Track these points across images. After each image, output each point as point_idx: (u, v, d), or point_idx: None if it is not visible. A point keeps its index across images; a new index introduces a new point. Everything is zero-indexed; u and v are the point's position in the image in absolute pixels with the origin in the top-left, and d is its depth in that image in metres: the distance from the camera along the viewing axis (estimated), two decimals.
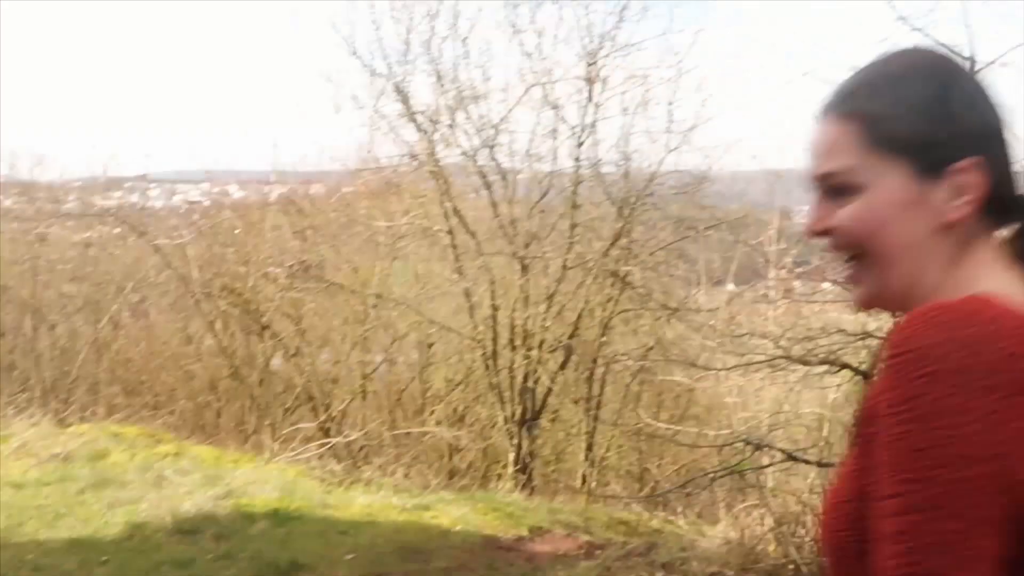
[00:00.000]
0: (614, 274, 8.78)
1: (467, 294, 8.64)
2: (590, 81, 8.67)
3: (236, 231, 10.69)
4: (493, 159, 8.73)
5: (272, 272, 9.77)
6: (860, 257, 1.06)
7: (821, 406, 6.64)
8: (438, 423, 8.95)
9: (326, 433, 9.05)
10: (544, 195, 8.97)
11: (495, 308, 8.44)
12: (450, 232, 8.68)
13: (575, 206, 8.65)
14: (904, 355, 0.90)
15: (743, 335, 6.16)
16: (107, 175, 12.20)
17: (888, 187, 1.03)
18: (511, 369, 8.43)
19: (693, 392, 9.79)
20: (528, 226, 8.41)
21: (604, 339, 8.88)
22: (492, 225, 8.79)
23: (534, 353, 8.33)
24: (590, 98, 8.72)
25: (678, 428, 7.32)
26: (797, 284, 9.20)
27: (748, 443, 5.27)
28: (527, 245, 8.18)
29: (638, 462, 9.42)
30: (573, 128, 8.79)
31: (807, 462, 5.38)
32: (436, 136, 8.80)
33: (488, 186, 8.55)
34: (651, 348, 8.98)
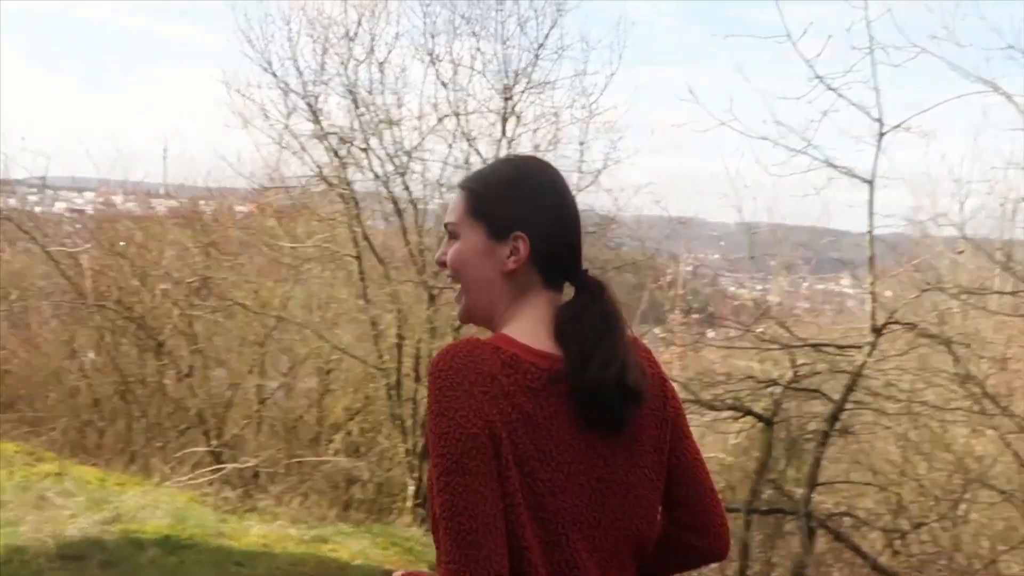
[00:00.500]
0: None
1: (373, 322, 8.53)
2: (504, 115, 8.75)
3: (123, 244, 10.31)
4: (405, 186, 8.67)
5: (170, 288, 9.48)
6: (456, 281, 1.57)
7: (723, 451, 6.79)
8: (336, 452, 8.78)
9: (218, 458, 8.78)
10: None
11: (401, 337, 8.36)
12: (358, 257, 8.59)
13: None
14: (430, 372, 1.39)
15: None
16: None
17: (472, 239, 1.53)
18: (415, 400, 8.34)
19: None
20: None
21: None
22: (401, 253, 8.73)
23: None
24: (504, 132, 8.80)
25: None
26: (689, 330, 9.41)
27: None
28: (436, 275, 8.14)
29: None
30: (485, 160, 8.84)
31: None
32: (348, 158, 8.71)
33: (399, 213, 8.47)
34: None
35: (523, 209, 1.52)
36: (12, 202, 12.27)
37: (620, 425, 1.46)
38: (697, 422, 5.91)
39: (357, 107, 8.37)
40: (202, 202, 11.70)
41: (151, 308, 9.59)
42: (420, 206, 8.65)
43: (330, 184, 8.58)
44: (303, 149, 8.63)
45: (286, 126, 8.50)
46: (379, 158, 8.37)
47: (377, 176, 8.48)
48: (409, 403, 8.44)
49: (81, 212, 14.06)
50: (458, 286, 1.57)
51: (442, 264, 1.59)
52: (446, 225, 1.58)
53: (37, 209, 13.16)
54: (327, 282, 9.80)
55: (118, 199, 13.41)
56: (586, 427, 1.43)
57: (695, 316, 10.36)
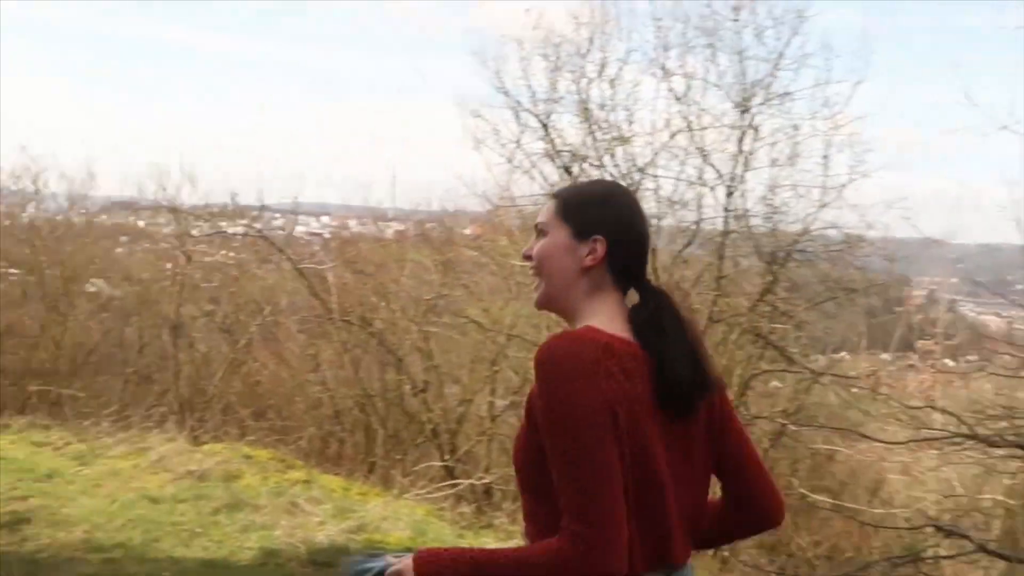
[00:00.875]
0: (756, 332, 8.45)
1: None
2: (740, 130, 8.45)
3: (371, 263, 10.75)
4: None
5: (408, 306, 9.78)
6: (539, 272, 1.82)
7: (1003, 493, 6.16)
8: None
9: (451, 473, 8.92)
10: (688, 244, 8.75)
11: None
12: None
13: (722, 257, 8.38)
14: (539, 361, 1.61)
15: (919, 407, 5.74)
16: (235, 203, 12.48)
17: (558, 237, 1.79)
18: None
19: (832, 462, 9.31)
20: (672, 276, 8.17)
21: (744, 399, 8.51)
22: None
23: None
24: (740, 147, 8.49)
25: (836, 502, 6.90)
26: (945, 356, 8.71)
27: (940, 529, 4.84)
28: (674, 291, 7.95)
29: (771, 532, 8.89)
30: (721, 177, 8.56)
31: (1004, 557, 4.90)
32: (580, 176, 8.67)
33: None
34: (793, 413, 8.57)
35: (605, 218, 1.79)
36: (257, 226, 13.12)
37: (693, 410, 1.73)
38: (968, 459, 5.39)
39: (589, 125, 8.33)
40: (429, 225, 12.09)
41: (390, 324, 9.93)
42: (653, 223, 8.49)
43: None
44: (534, 167, 8.70)
45: (518, 145, 8.60)
46: (611, 175, 8.26)
47: None
48: None
49: (319, 235, 14.91)
50: (539, 278, 1.84)
51: (527, 257, 1.87)
52: (537, 225, 1.87)
53: (280, 233, 14.06)
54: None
55: (352, 223, 14.12)
56: (667, 410, 1.69)
57: (947, 343, 9.61)
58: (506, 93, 8.71)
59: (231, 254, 12.75)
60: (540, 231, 1.84)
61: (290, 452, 9.51)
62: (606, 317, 1.73)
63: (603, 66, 8.53)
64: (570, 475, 1.57)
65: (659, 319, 1.74)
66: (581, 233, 1.79)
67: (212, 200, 11.95)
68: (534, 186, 8.95)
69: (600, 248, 1.77)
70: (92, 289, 13.84)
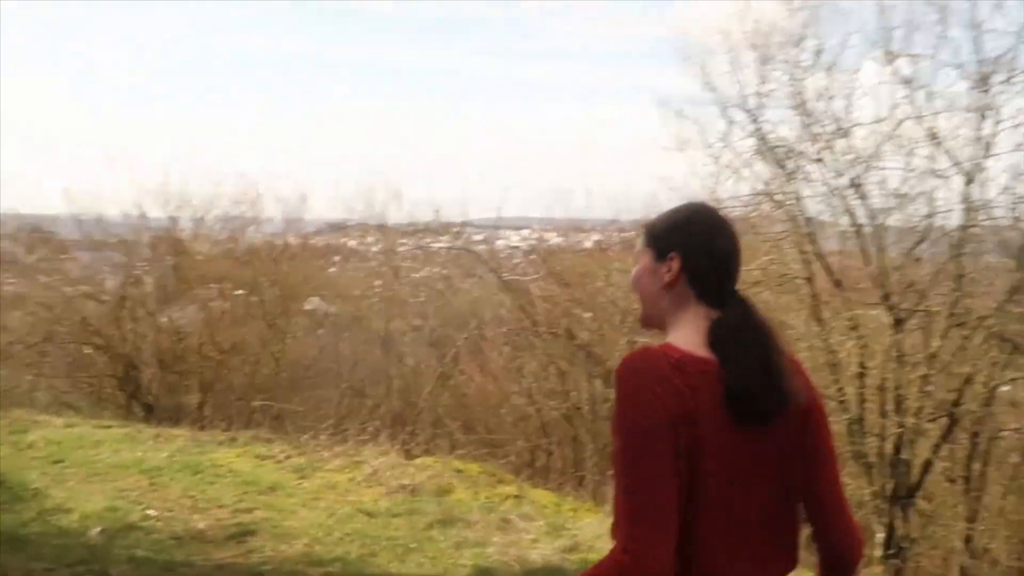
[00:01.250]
0: (1002, 336, 7.60)
1: (830, 349, 7.81)
2: (979, 113, 7.62)
3: (575, 274, 10.53)
4: (862, 199, 7.87)
5: (615, 316, 9.50)
6: (636, 296, 2.02)
7: None
8: None
9: None
10: (920, 241, 8.00)
11: (863, 367, 7.56)
12: (809, 279, 7.93)
13: (960, 254, 7.59)
14: (618, 375, 1.75)
15: None
16: (439, 219, 12.61)
17: (644, 262, 1.98)
18: (882, 436, 7.49)
19: None
20: (905, 275, 7.47)
21: (989, 409, 7.68)
22: (858, 274, 7.94)
23: (909, 420, 7.34)
24: (979, 132, 7.66)
25: None
26: None
27: None
28: (903, 297, 7.27)
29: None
30: (958, 166, 7.76)
31: None
32: (795, 173, 8.11)
33: (857, 229, 7.70)
34: None
35: (678, 238, 1.90)
36: (459, 241, 13.23)
37: (765, 420, 1.74)
38: None
39: (804, 117, 7.77)
40: (632, 233, 11.73)
41: (597, 336, 9.69)
42: (880, 220, 7.80)
43: (776, 202, 8.04)
44: (744, 166, 8.22)
45: (726, 144, 8.14)
46: (832, 170, 7.68)
47: (831, 190, 7.80)
48: (875, 440, 7.58)
49: (519, 248, 14.88)
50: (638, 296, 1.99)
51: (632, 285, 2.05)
52: (633, 256, 2.07)
53: (483, 247, 14.13)
54: (770, 307, 9.23)
55: (551, 235, 13.99)
56: (738, 422, 1.72)
57: None
58: (713, 89, 8.27)
59: (436, 269, 12.92)
60: (635, 260, 2.03)
61: (499, 466, 9.43)
62: (687, 332, 1.84)
63: (818, 53, 7.94)
64: (622, 483, 1.69)
65: (733, 332, 1.80)
66: (660, 253, 1.93)
67: (417, 217, 12.13)
68: (743, 186, 8.47)
69: (675, 265, 1.89)
70: (309, 307, 14.40)
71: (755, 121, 8.01)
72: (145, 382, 13.89)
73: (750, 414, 1.73)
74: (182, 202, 13.83)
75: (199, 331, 13.56)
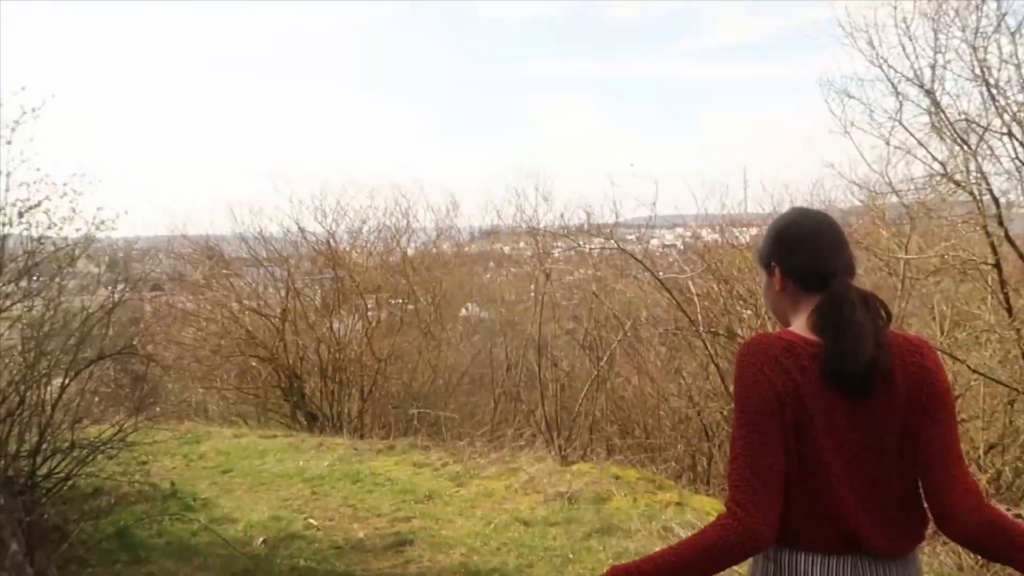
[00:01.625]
0: None
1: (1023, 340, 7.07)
2: None
3: (733, 270, 10.05)
4: None
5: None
6: None
7: None
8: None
9: None
10: None
11: None
12: (996, 265, 7.22)
13: None
14: (737, 357, 1.98)
15: None
16: (590, 221, 12.28)
17: (762, 278, 2.24)
18: None
19: None
20: None
21: None
22: None
23: None
24: None
25: None
26: None
27: None
28: None
29: None
30: None
31: None
32: (980, 150, 7.36)
33: None
34: None
35: (773, 249, 2.16)
36: (612, 241, 12.90)
37: (865, 393, 1.90)
38: None
39: (988, 88, 7.03)
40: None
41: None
42: None
43: (956, 182, 7.34)
44: (919, 146, 7.53)
45: (897, 122, 7.49)
46: (1022, 144, 6.92)
47: (1022, 165, 7.02)
48: None
49: (674, 246, 14.44)
50: None
51: None
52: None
53: (635, 247, 13.76)
54: (951, 296, 8.50)
55: (705, 231, 13.46)
56: (844, 397, 1.90)
57: None
58: (882, 65, 7.59)
59: (589, 271, 12.63)
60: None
61: (659, 471, 9.08)
62: (801, 320, 2.04)
63: (1002, 17, 7.17)
64: (732, 453, 1.91)
65: (830, 314, 1.97)
66: (766, 267, 2.18)
67: (568, 220, 11.87)
68: (917, 168, 7.78)
69: (778, 272, 2.13)
70: (464, 313, 14.42)
71: (930, 95, 7.32)
72: (308, 392, 14.24)
73: (848, 388, 1.89)
74: (338, 215, 14.12)
75: (358, 341, 13.78)
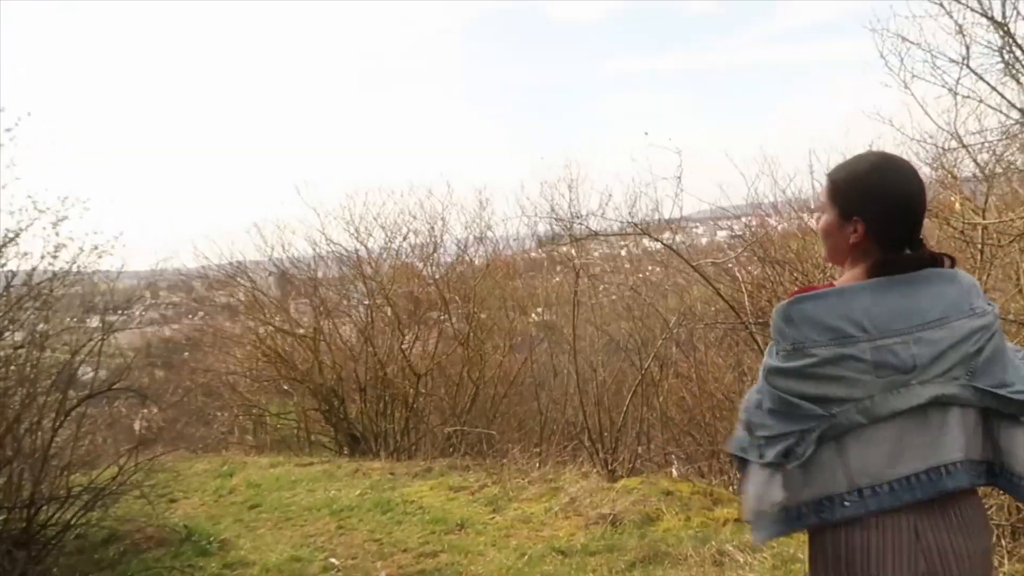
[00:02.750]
0: None
1: None
2: None
3: (789, 253, 9.05)
4: None
5: None
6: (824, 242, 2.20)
7: None
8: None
9: None
10: None
11: None
12: None
13: None
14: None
15: None
16: (655, 219, 11.31)
17: (829, 218, 2.15)
18: None
19: None
20: None
21: None
22: None
23: None
24: None
25: None
26: None
27: None
28: None
29: None
30: None
31: None
32: None
33: None
34: None
35: (863, 201, 2.08)
36: (679, 238, 11.99)
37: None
38: None
39: None
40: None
41: None
42: None
43: None
44: (992, 92, 6.45)
45: (965, 66, 6.42)
46: None
47: None
48: None
49: (740, 236, 13.49)
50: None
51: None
52: (819, 204, 2.25)
53: (704, 241, 12.92)
54: None
55: (772, 220, 12.47)
56: None
57: None
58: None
59: (639, 273, 11.68)
60: (820, 208, 2.21)
61: (718, 481, 8.14)
62: (857, 272, 2.09)
63: None
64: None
65: (891, 267, 2.03)
66: (844, 215, 2.11)
67: (619, 218, 10.83)
68: (991, 119, 6.68)
69: (860, 229, 2.08)
70: (533, 319, 13.65)
71: (1002, 28, 6.23)
72: (350, 413, 13.60)
73: None
74: (367, 230, 13.41)
75: (397, 358, 13.07)
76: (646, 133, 7.02)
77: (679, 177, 7.62)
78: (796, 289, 2.22)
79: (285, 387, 13.34)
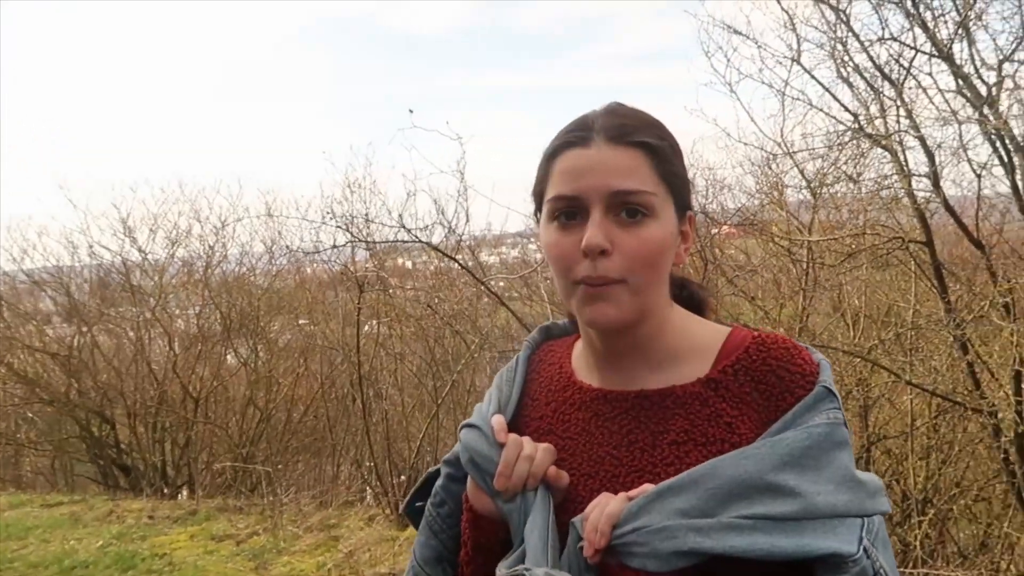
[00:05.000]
0: None
1: (964, 344, 5.38)
2: None
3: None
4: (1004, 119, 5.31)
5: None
6: (627, 279, 1.20)
7: None
8: (936, 548, 5.65)
9: None
10: None
11: (1022, 363, 5.14)
12: (928, 243, 5.52)
13: None
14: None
15: None
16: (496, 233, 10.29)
17: (669, 219, 1.23)
18: None
19: None
20: None
21: None
22: (1015, 231, 5.56)
23: None
24: None
25: None
26: None
27: None
28: None
29: None
30: None
31: None
32: (902, 92, 5.60)
33: (1007, 160, 5.19)
34: None
35: (687, 178, 1.31)
36: (515, 252, 11.08)
37: None
38: None
39: (915, 7, 5.27)
40: None
41: None
42: None
43: (872, 138, 5.58)
44: (823, 94, 5.78)
45: (797, 63, 5.71)
46: (962, 77, 5.15)
47: (963, 107, 5.24)
48: None
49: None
50: (616, 284, 1.21)
51: (601, 252, 1.19)
52: (618, 194, 1.21)
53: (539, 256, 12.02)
54: (872, 285, 6.80)
55: None
56: None
57: None
58: None
59: (442, 292, 10.51)
60: (636, 206, 1.21)
61: None
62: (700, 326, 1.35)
63: None
64: None
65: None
66: (681, 211, 1.28)
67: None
68: (821, 121, 6.02)
69: (691, 231, 1.31)
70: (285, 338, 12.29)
71: (840, 19, 5.52)
72: (121, 441, 11.87)
73: None
74: (134, 235, 11.75)
75: (173, 380, 11.46)
76: (411, 111, 5.97)
77: (466, 190, 6.62)
78: None
79: (29, 415, 11.48)
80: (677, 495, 1.12)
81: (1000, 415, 5.21)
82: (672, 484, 1.14)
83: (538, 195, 1.31)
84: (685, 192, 1.28)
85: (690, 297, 1.42)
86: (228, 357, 11.63)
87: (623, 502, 1.16)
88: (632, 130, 1.23)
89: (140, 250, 11.94)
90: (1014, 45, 5.04)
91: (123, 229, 11.75)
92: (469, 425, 1.36)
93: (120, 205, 14.05)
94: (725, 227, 7.94)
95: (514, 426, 1.38)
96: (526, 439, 1.29)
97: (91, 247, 11.57)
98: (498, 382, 1.44)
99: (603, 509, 1.16)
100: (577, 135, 1.24)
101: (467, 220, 7.05)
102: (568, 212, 1.22)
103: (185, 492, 10.52)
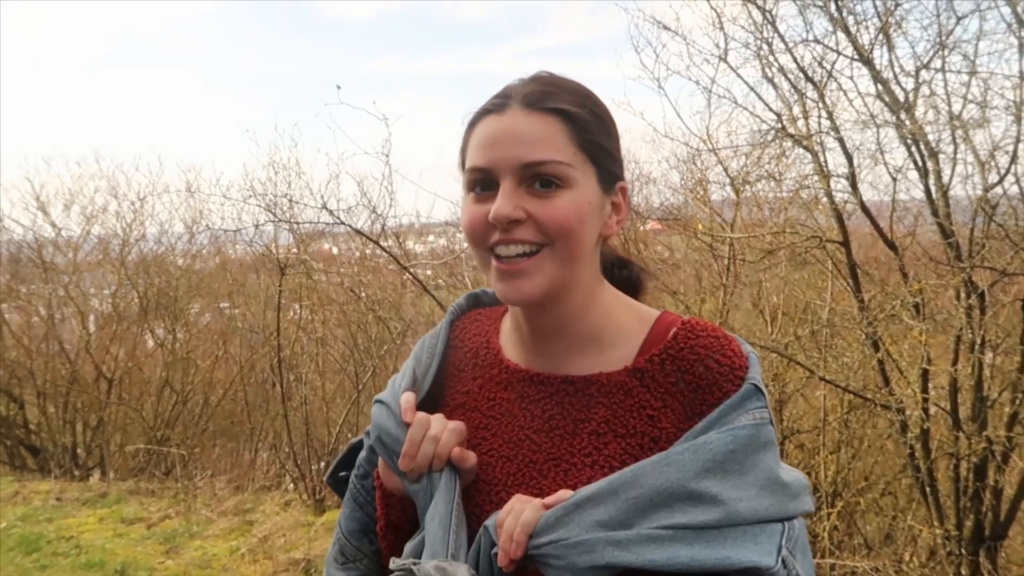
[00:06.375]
0: None
1: (875, 341, 5.55)
2: None
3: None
4: (919, 125, 5.44)
5: None
6: (545, 249, 1.19)
7: None
8: (840, 544, 5.84)
9: None
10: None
11: (929, 362, 5.33)
12: (844, 243, 5.67)
13: None
14: None
15: None
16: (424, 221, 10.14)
17: (589, 188, 1.20)
18: (955, 457, 5.29)
19: None
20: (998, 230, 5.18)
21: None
22: (926, 232, 5.72)
23: (999, 434, 5.14)
24: None
25: None
26: None
27: None
28: (982, 260, 5.08)
29: None
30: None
31: None
32: (825, 93, 5.70)
33: (920, 163, 5.35)
34: None
35: (620, 152, 1.29)
36: (442, 242, 10.95)
37: None
38: None
39: (838, 8, 5.40)
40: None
41: None
42: (961, 148, 5.33)
43: (793, 137, 5.70)
44: (749, 94, 5.88)
45: (723, 60, 5.79)
46: (881, 82, 5.30)
47: (882, 108, 5.37)
48: (947, 462, 5.38)
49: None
50: (532, 256, 1.20)
51: (513, 222, 1.18)
52: (530, 165, 1.18)
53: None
54: (790, 282, 6.94)
55: None
56: None
57: None
58: None
59: (367, 277, 10.40)
60: (548, 176, 1.18)
61: None
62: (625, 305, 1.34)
63: None
64: None
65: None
66: (608, 180, 1.25)
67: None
68: (746, 119, 6.09)
69: (624, 202, 1.29)
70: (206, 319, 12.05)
71: (766, 20, 5.63)
72: (25, 421, 11.53)
73: None
74: (47, 210, 11.42)
75: (85, 356, 11.16)
76: (339, 87, 5.93)
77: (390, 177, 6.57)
78: None
79: None
80: (596, 506, 1.11)
81: (907, 412, 5.39)
82: (591, 494, 1.12)
83: (461, 165, 1.30)
84: (610, 162, 1.25)
85: (628, 278, 1.40)
86: (146, 338, 11.37)
87: (539, 510, 1.14)
88: (549, 96, 1.21)
89: (53, 225, 11.67)
90: (931, 53, 5.19)
91: (36, 203, 11.45)
92: (379, 401, 1.34)
93: (33, 178, 13.66)
94: (650, 222, 8.05)
95: (435, 396, 1.37)
96: (435, 417, 1.27)
97: (1, 221, 11.19)
98: (417, 351, 1.42)
99: (518, 517, 1.14)
100: (495, 102, 1.24)
101: (391, 204, 6.99)
102: (484, 183, 1.21)
103: (97, 474, 10.25)
